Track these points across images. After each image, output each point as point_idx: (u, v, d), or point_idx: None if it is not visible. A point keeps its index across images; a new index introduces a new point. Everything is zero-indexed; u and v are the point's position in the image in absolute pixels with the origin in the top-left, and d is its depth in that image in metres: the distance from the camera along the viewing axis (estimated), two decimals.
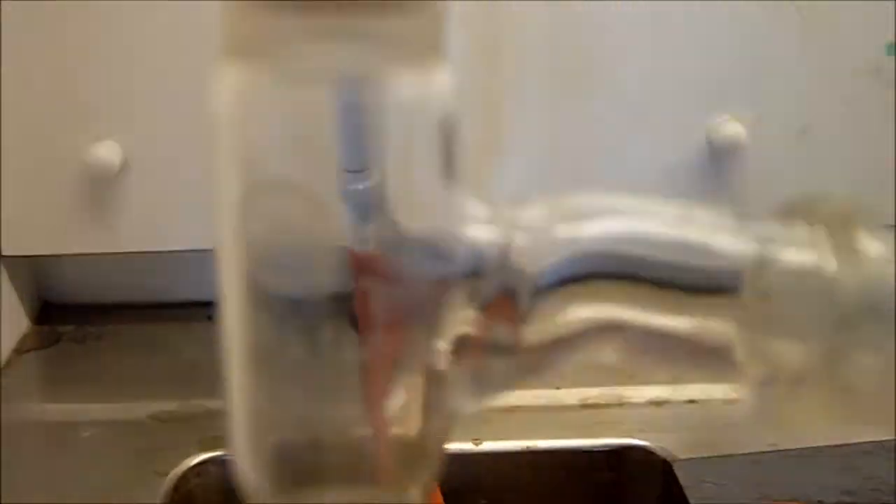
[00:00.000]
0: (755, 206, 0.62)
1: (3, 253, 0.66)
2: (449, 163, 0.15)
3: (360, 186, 0.43)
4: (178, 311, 0.72)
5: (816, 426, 0.14)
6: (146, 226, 0.65)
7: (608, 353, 0.17)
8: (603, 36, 0.62)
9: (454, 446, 0.60)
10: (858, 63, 0.63)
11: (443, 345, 0.16)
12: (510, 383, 0.17)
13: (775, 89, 0.64)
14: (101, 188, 0.64)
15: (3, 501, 0.54)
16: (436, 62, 0.14)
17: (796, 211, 0.15)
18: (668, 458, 0.56)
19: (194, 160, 0.64)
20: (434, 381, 0.16)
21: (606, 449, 0.59)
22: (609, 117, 0.64)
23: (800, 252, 0.15)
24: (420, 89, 0.14)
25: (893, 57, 0.63)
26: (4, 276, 0.67)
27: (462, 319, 0.16)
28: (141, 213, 0.64)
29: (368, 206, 0.45)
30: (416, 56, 0.14)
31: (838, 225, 0.15)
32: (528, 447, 0.60)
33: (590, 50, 0.63)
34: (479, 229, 0.16)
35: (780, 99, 0.65)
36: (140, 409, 0.63)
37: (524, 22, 0.61)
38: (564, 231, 0.15)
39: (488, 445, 0.60)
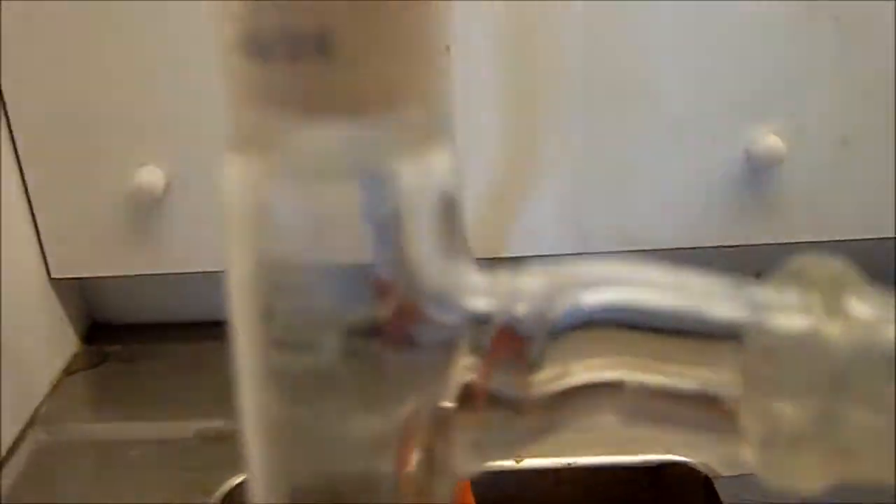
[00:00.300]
0: (796, 219, 0.62)
1: (52, 276, 0.67)
2: (452, 239, 0.16)
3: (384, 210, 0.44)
4: (222, 330, 0.73)
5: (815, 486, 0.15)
6: (190, 247, 0.66)
7: (609, 416, 0.17)
8: (638, 51, 0.62)
9: (495, 464, 0.60)
10: None
11: (449, 398, 0.17)
12: (515, 443, 0.17)
13: (814, 101, 0.64)
14: (145, 211, 0.65)
15: None
16: (440, 145, 0.15)
17: (790, 275, 0.15)
18: (710, 475, 0.56)
19: None
20: (442, 434, 0.17)
21: (647, 465, 0.59)
22: (646, 133, 0.64)
23: (793, 316, 0.15)
24: (423, 175, 0.14)
25: None
26: (54, 297, 0.69)
27: (465, 367, 0.16)
28: (184, 234, 0.66)
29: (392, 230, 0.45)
30: (420, 144, 0.14)
31: (829, 288, 0.15)
32: (568, 464, 0.60)
33: (626, 66, 0.63)
34: (478, 300, 0.16)
35: (819, 110, 0.64)
36: (187, 427, 0.64)
37: (559, 39, 0.62)
38: (562, 302, 0.16)
39: (529, 462, 0.60)
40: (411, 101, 0.14)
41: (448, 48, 0.55)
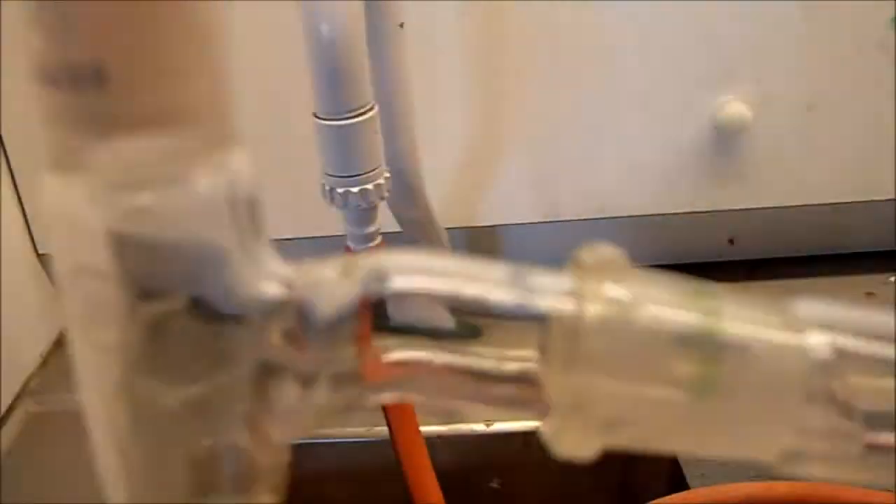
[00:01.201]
0: (763, 185, 0.63)
1: (40, 252, 0.69)
2: (253, 232, 0.17)
3: (354, 190, 0.46)
4: None
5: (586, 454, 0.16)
6: None
7: (419, 394, 0.19)
8: (604, 20, 0.63)
9: (465, 427, 0.62)
10: (861, 39, 0.63)
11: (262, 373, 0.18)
12: (324, 416, 0.19)
13: (779, 68, 0.65)
14: None
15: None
16: (230, 149, 0.16)
17: (573, 263, 0.17)
18: None
19: None
20: (264, 404, 0.19)
21: None
22: (613, 102, 0.65)
23: (562, 299, 0.17)
24: (219, 178, 0.16)
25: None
26: (42, 273, 0.71)
27: (274, 346, 0.18)
28: None
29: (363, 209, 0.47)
30: (211, 151, 0.16)
31: (598, 273, 0.17)
32: (538, 426, 0.61)
33: (592, 34, 0.64)
34: (274, 287, 0.18)
35: (785, 77, 0.65)
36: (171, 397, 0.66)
37: (526, 10, 0.62)
38: (354, 286, 0.17)
39: (499, 426, 0.62)
40: (192, 117, 0.15)
41: (402, 25, 0.56)
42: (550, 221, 0.70)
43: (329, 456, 0.65)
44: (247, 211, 0.17)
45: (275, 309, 0.17)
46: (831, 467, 0.17)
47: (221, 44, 0.16)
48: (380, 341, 0.18)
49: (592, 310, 0.16)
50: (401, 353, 0.18)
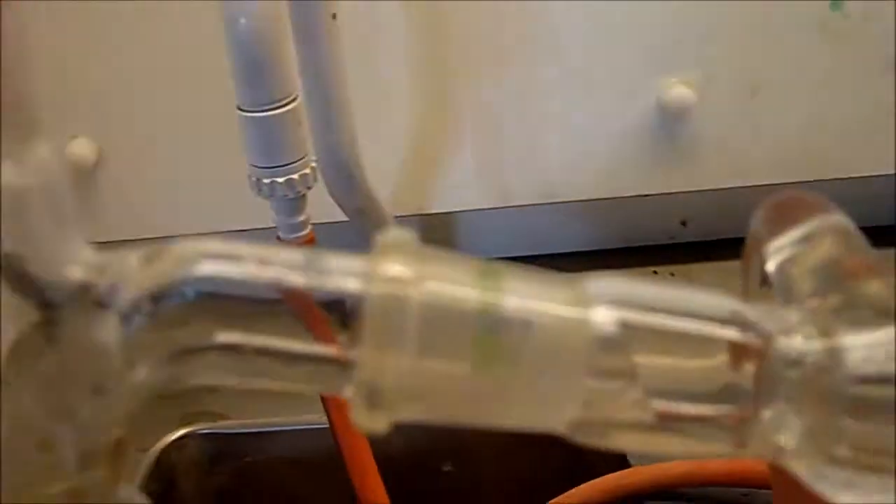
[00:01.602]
0: (710, 166, 0.64)
1: None
2: (61, 219, 0.18)
3: (280, 180, 0.46)
4: None
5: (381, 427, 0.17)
6: (122, 216, 0.68)
7: (232, 375, 0.19)
8: (547, 5, 0.63)
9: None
10: (804, 20, 0.64)
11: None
12: (151, 395, 0.19)
13: (723, 50, 0.65)
14: (77, 182, 0.67)
15: None
16: (33, 142, 0.17)
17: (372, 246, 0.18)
18: None
19: (165, 152, 0.67)
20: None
21: None
22: (558, 86, 0.66)
23: (349, 279, 0.17)
24: (22, 168, 0.17)
25: (838, 12, 0.63)
26: None
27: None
28: (117, 204, 0.68)
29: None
30: (16, 143, 0.17)
31: (384, 255, 0.17)
32: None
33: (535, 18, 0.64)
34: (78, 271, 0.18)
35: (728, 59, 0.65)
36: None
37: None
38: (157, 272, 0.18)
39: None
40: None
41: (334, 16, 0.56)
42: (503, 207, 0.70)
43: (283, 443, 0.66)
44: (52, 200, 0.17)
45: (82, 293, 0.18)
46: (633, 438, 0.18)
47: (20, 42, 0.16)
48: (200, 324, 0.19)
49: (375, 289, 0.17)
50: (219, 335, 0.18)
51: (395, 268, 0.17)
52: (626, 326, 0.17)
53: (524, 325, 0.17)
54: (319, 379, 0.18)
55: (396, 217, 0.66)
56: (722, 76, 0.65)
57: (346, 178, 0.57)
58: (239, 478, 0.66)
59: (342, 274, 0.17)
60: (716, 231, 0.74)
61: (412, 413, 0.18)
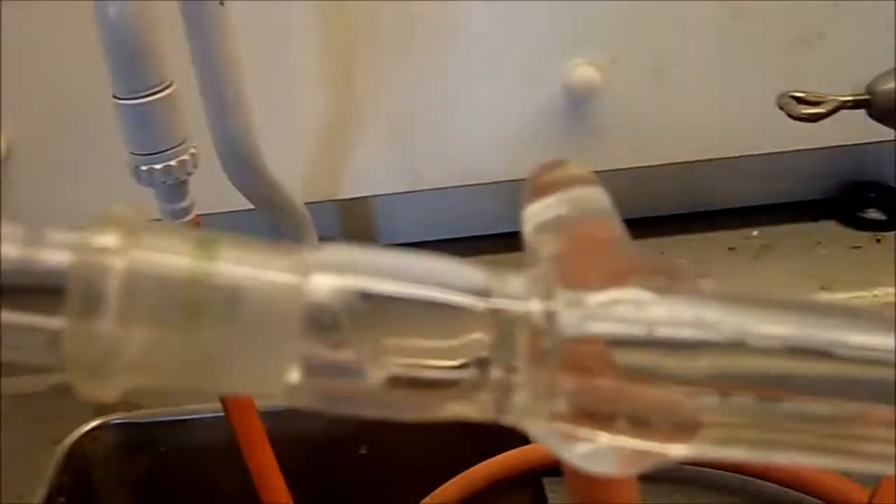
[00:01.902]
0: (617, 147, 0.64)
1: None
2: None
3: (158, 166, 0.46)
4: None
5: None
6: (32, 209, 0.68)
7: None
8: None
9: None
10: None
11: None
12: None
13: (629, 31, 0.65)
14: None
15: None
16: None
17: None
18: None
19: (75, 144, 0.67)
20: None
21: None
22: (464, 69, 0.66)
23: (60, 253, 0.18)
24: None
25: None
26: None
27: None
28: (27, 196, 0.68)
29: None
30: None
31: (101, 226, 0.18)
32: None
33: (440, 4, 0.64)
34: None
35: (634, 40, 0.66)
36: (42, 381, 0.67)
37: None
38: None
39: None
40: None
41: (222, 2, 0.56)
42: (417, 191, 0.71)
43: (200, 432, 0.66)
44: None
45: None
46: (368, 403, 0.18)
47: None
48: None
49: (79, 259, 0.17)
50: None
51: (104, 238, 0.17)
52: (346, 293, 0.17)
53: (234, 291, 0.17)
54: (37, 351, 0.19)
55: (309, 204, 0.66)
56: (627, 57, 0.66)
57: (243, 166, 0.57)
58: (155, 467, 0.66)
59: (56, 247, 0.18)
60: (629, 211, 0.74)
61: (135, 380, 0.18)
